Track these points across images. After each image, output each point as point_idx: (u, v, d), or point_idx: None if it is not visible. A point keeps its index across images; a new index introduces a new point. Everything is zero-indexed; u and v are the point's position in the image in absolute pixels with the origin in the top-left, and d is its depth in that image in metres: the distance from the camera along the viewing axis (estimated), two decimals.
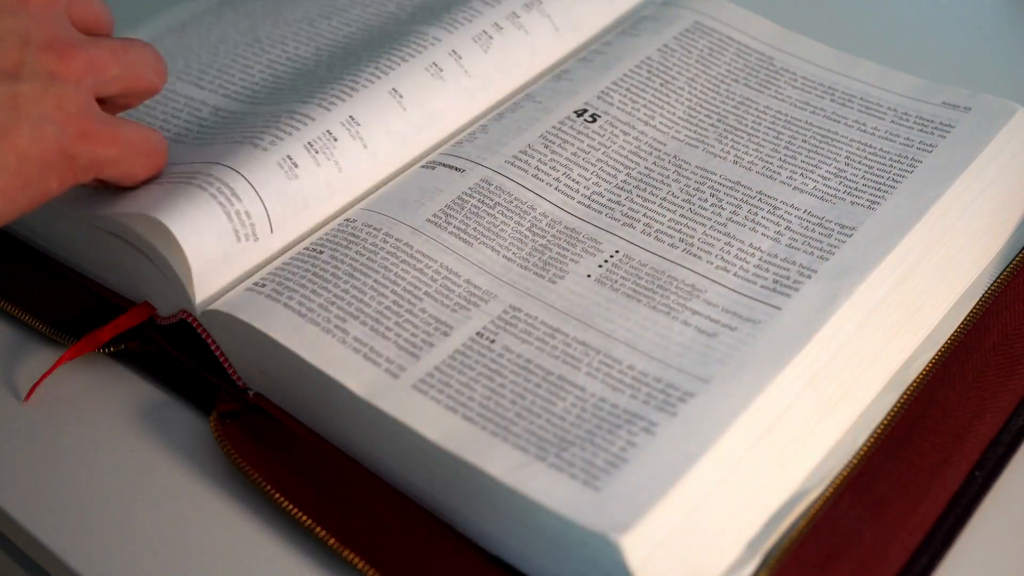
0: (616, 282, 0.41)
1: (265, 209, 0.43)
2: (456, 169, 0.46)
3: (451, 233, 0.43)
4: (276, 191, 0.44)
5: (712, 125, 0.48)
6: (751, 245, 0.42)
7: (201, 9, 0.59)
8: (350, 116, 0.47)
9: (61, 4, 0.40)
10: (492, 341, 0.39)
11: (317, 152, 0.45)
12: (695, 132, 0.48)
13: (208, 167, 0.44)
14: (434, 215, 0.44)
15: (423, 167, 0.47)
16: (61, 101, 0.38)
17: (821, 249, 0.42)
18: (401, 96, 0.48)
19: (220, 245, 0.42)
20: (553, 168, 0.46)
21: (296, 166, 0.44)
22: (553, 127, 0.48)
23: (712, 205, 0.44)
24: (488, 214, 0.44)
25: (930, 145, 0.46)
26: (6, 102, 0.36)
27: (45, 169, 0.38)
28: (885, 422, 0.39)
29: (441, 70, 0.50)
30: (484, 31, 0.52)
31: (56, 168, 0.38)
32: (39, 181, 0.38)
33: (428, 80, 0.49)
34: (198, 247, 0.41)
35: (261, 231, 0.43)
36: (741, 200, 0.44)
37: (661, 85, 0.50)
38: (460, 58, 0.51)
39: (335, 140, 0.46)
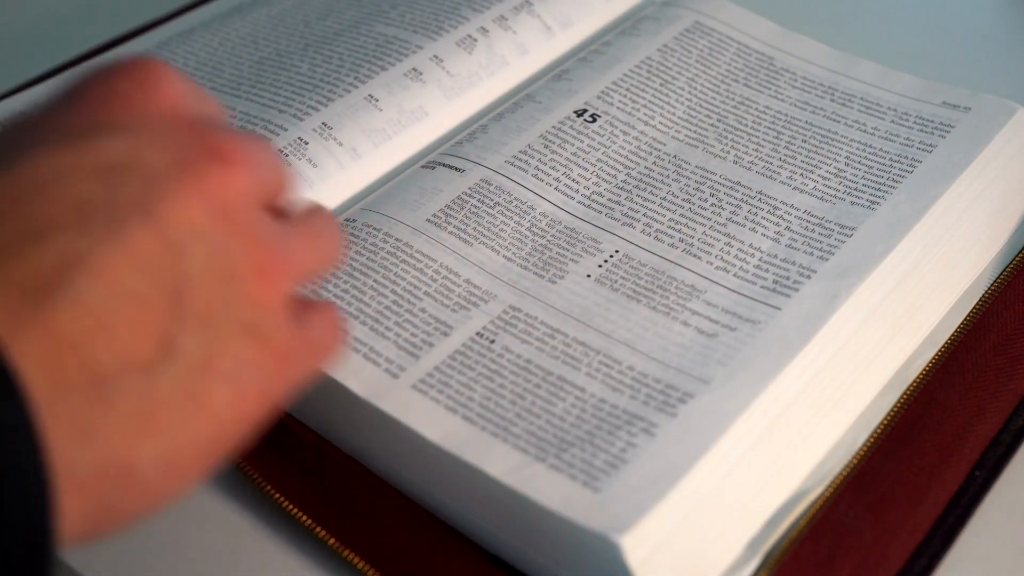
0: (616, 282, 0.41)
1: None
2: (456, 169, 0.46)
3: (451, 233, 0.43)
4: None
5: (712, 125, 0.48)
6: (751, 245, 0.42)
7: (210, 15, 0.59)
8: (323, 123, 0.48)
9: (259, 197, 0.29)
10: (492, 341, 0.39)
11: (288, 155, 0.46)
12: (695, 132, 0.48)
13: None
14: (434, 215, 0.44)
15: (423, 167, 0.47)
16: (261, 336, 0.27)
17: (821, 249, 0.42)
18: (377, 100, 0.49)
19: None
20: (553, 168, 0.46)
21: None
22: (553, 127, 0.48)
23: (712, 205, 0.44)
24: (488, 214, 0.44)
25: (930, 145, 0.46)
26: (198, 359, 0.26)
27: (245, 427, 0.28)
28: (885, 422, 0.39)
29: (421, 73, 0.50)
30: (468, 35, 0.52)
31: (257, 419, 0.28)
32: (235, 443, 0.28)
33: (407, 83, 0.50)
34: None
35: None
36: (741, 200, 0.44)
37: (661, 85, 0.50)
38: (441, 61, 0.51)
39: (306, 144, 0.47)
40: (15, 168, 0.25)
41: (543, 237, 0.43)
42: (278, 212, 0.31)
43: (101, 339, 0.25)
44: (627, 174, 0.46)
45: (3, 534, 0.23)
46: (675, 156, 0.47)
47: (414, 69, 0.51)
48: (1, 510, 0.23)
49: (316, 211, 0.32)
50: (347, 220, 0.44)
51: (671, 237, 0.43)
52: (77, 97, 0.28)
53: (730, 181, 0.45)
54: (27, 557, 0.23)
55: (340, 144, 0.47)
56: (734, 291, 0.41)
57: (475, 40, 0.52)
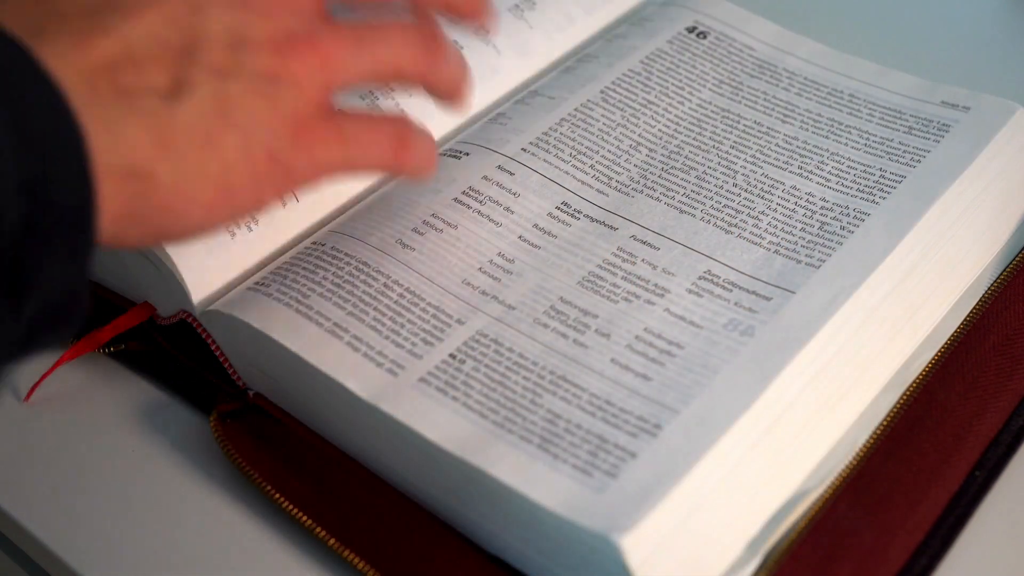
0: (616, 282, 0.41)
1: None
2: (463, 154, 0.46)
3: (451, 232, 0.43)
4: None
5: (712, 126, 0.48)
6: (751, 245, 0.42)
7: None
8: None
9: None
10: (493, 340, 0.39)
11: None
12: (695, 132, 0.48)
13: None
14: (433, 215, 0.44)
15: (441, 155, 0.47)
16: (276, 103, 0.33)
17: (821, 249, 0.42)
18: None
19: (210, 241, 0.42)
20: (560, 163, 0.46)
21: None
22: (552, 127, 0.48)
23: (712, 206, 0.44)
24: (487, 213, 0.44)
25: (930, 145, 0.46)
26: (212, 105, 0.32)
27: (256, 180, 0.33)
28: (885, 422, 0.39)
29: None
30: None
31: (270, 178, 0.34)
32: (250, 192, 0.33)
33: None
34: (184, 245, 0.41)
35: (252, 223, 0.43)
36: (741, 203, 0.44)
37: (659, 85, 0.50)
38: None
39: None
40: None
41: (543, 237, 0.43)
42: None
43: (124, 61, 0.31)
44: (627, 175, 0.46)
45: (57, 201, 0.29)
46: (675, 156, 0.47)
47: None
48: (56, 181, 0.29)
49: (389, 20, 0.37)
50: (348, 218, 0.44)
51: (672, 236, 0.43)
52: None
53: (730, 182, 0.45)
54: (75, 228, 0.29)
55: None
56: (734, 291, 0.41)
57: (461, 47, 0.52)
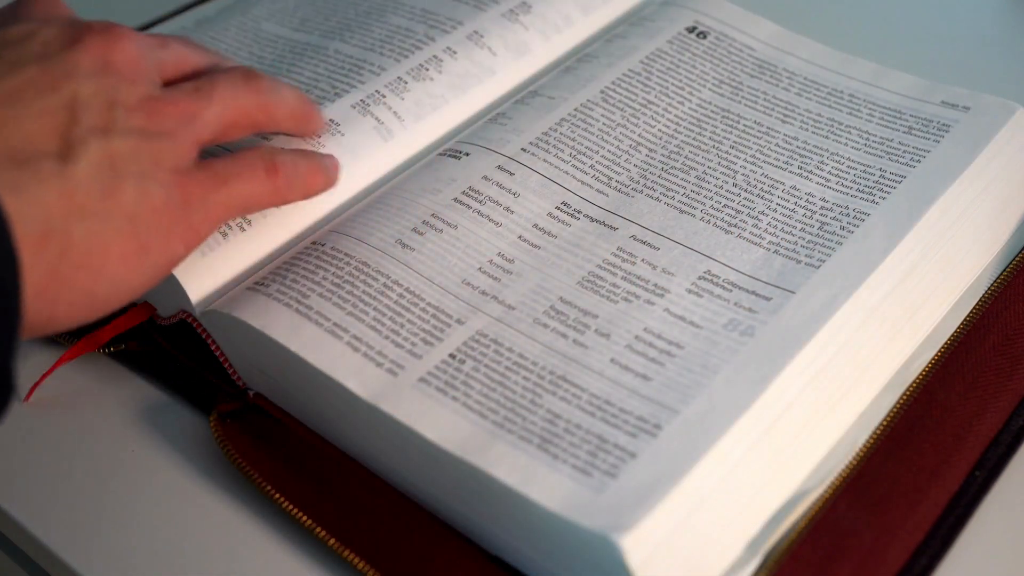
0: (616, 282, 0.41)
1: None
2: (463, 154, 0.46)
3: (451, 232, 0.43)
4: None
5: (712, 126, 0.48)
6: (751, 245, 0.42)
7: (232, 1, 0.60)
8: (330, 119, 0.48)
9: (148, 63, 0.38)
10: (493, 340, 0.39)
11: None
12: (695, 132, 0.48)
13: None
14: (433, 215, 0.44)
15: (439, 155, 0.47)
16: (158, 157, 0.36)
17: (821, 249, 0.42)
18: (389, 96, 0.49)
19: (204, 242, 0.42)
20: (560, 163, 0.46)
21: None
22: (552, 127, 0.48)
23: (712, 206, 0.44)
24: (486, 213, 0.44)
25: (930, 145, 0.46)
26: (103, 160, 0.34)
27: (161, 229, 0.35)
28: (885, 422, 0.39)
29: (427, 70, 0.50)
30: (449, 47, 0.52)
31: (175, 230, 0.36)
32: (160, 241, 0.35)
33: (417, 78, 0.50)
34: None
35: (245, 223, 0.43)
36: (741, 203, 0.44)
37: (659, 85, 0.50)
38: (441, 63, 0.51)
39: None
40: None
41: (544, 235, 0.43)
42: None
43: (14, 133, 0.33)
44: (627, 175, 0.46)
45: None
46: (674, 156, 0.47)
47: (420, 65, 0.51)
48: None
49: (220, 69, 0.40)
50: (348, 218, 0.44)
51: (672, 236, 0.43)
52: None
53: (730, 182, 0.45)
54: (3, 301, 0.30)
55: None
56: (734, 291, 0.41)
57: (455, 53, 0.52)
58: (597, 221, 0.44)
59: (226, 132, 0.39)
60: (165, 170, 0.36)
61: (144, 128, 0.36)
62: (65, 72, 0.35)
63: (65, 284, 0.33)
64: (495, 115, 0.49)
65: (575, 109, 0.49)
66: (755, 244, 0.43)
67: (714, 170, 0.46)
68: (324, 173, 0.43)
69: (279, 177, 0.40)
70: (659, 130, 0.48)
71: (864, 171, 0.45)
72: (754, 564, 0.36)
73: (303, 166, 0.41)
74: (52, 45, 0.35)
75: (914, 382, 0.41)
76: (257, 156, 0.40)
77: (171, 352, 0.44)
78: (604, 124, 0.48)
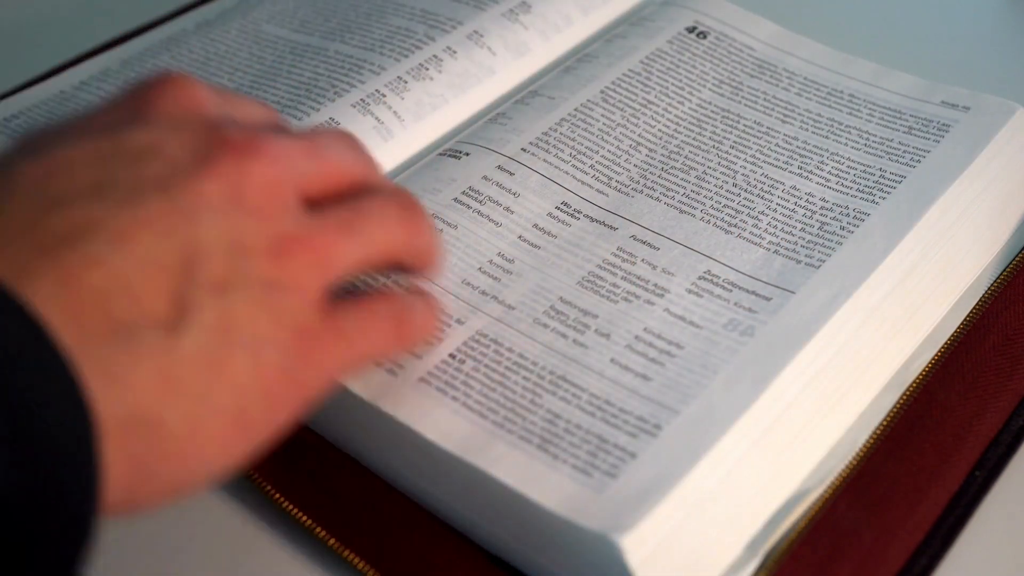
0: (616, 282, 0.41)
1: None
2: (463, 154, 0.46)
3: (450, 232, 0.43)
4: None
5: (712, 126, 0.48)
6: (751, 244, 0.42)
7: (232, 3, 0.60)
8: (329, 118, 0.48)
9: (288, 188, 0.31)
10: (493, 340, 0.39)
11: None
12: (695, 132, 0.48)
13: None
14: (432, 215, 0.44)
15: (440, 154, 0.47)
16: (280, 314, 0.29)
17: (821, 248, 0.42)
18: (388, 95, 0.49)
19: None
20: (560, 163, 0.46)
21: None
22: (551, 128, 0.48)
23: (712, 206, 0.44)
24: (485, 214, 0.44)
25: (930, 145, 0.46)
26: (216, 326, 0.28)
27: (269, 402, 0.29)
28: (885, 422, 0.39)
29: (427, 70, 0.50)
30: (444, 48, 0.52)
31: (283, 398, 0.30)
32: (264, 417, 0.29)
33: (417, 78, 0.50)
34: None
35: None
36: (741, 203, 0.44)
37: (659, 85, 0.50)
38: (441, 61, 0.51)
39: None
40: (48, 153, 0.29)
41: (543, 235, 0.43)
42: (323, 200, 0.33)
43: (118, 293, 0.27)
44: (628, 176, 0.46)
45: (51, 471, 0.24)
46: (674, 156, 0.47)
47: (420, 65, 0.51)
48: (47, 443, 0.24)
49: (368, 200, 0.33)
50: None
51: (671, 237, 0.43)
52: (112, 102, 0.32)
53: (729, 182, 0.45)
54: (76, 505, 0.25)
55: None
56: (734, 291, 0.41)
57: (455, 52, 0.52)
58: (597, 221, 0.44)
59: (360, 271, 0.33)
60: (286, 329, 0.30)
61: (269, 279, 0.30)
62: (188, 208, 0.29)
63: (149, 477, 0.28)
64: (495, 115, 0.49)
65: (575, 109, 0.49)
66: (755, 244, 0.43)
67: (714, 170, 0.46)
68: (438, 318, 0.38)
69: (406, 330, 0.35)
70: (659, 130, 0.48)
71: (864, 171, 0.45)
72: (754, 564, 0.36)
73: (425, 313, 0.36)
74: (179, 166, 0.29)
75: (914, 382, 0.41)
76: (388, 309, 0.34)
77: None
78: (604, 124, 0.48)
